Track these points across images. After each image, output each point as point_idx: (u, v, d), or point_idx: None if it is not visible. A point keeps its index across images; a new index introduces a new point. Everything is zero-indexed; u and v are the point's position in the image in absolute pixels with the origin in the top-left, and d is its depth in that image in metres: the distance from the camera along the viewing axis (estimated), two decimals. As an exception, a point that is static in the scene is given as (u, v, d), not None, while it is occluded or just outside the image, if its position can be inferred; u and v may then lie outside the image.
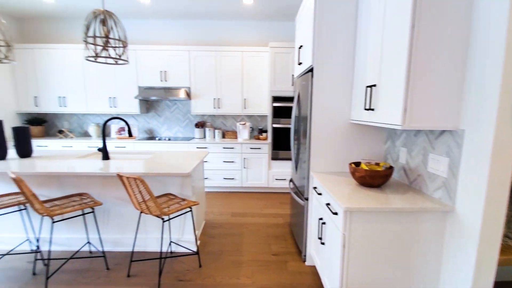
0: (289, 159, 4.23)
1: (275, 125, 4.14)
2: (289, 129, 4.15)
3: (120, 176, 1.92)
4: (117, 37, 2.05)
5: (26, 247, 2.55)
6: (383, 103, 1.59)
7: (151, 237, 2.54)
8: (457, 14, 1.33)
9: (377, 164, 1.87)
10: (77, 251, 2.51)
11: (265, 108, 4.34)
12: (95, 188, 2.44)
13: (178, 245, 2.55)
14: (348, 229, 1.51)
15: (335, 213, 1.62)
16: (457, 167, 1.42)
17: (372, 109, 1.71)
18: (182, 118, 4.71)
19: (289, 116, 4.13)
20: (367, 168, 1.72)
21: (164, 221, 2.03)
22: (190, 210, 2.35)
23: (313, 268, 2.31)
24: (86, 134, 4.74)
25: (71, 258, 2.40)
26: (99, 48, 2.02)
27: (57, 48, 4.18)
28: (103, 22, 1.93)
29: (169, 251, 2.54)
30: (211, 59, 4.22)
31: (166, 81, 4.27)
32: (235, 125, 4.71)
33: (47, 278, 2.00)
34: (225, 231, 2.96)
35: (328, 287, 1.80)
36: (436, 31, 1.35)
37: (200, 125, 4.53)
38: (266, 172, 4.23)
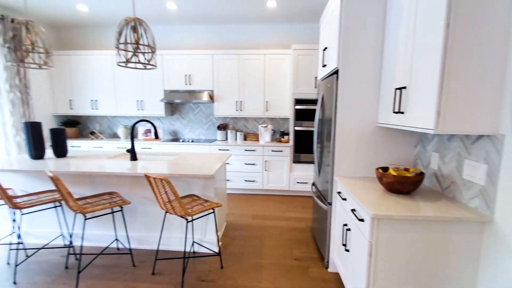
0: (311, 162, 4.16)
1: (297, 128, 4.10)
2: (311, 132, 4.09)
3: (147, 177, 1.99)
4: (146, 43, 2.13)
5: (60, 242, 2.71)
6: (414, 106, 1.52)
7: (174, 237, 2.60)
8: (496, 12, 1.25)
9: (406, 169, 1.79)
10: (106, 247, 2.63)
11: (287, 110, 4.31)
12: (124, 188, 2.55)
13: (201, 245, 2.59)
14: (375, 237, 1.45)
15: (361, 220, 1.57)
16: (497, 174, 1.32)
17: (402, 112, 1.64)
18: (204, 121, 4.80)
19: (312, 119, 4.07)
20: (395, 174, 1.65)
21: (188, 222, 2.07)
22: (213, 212, 2.38)
23: (337, 275, 2.25)
24: (115, 136, 4.98)
25: (100, 254, 2.51)
26: (129, 54, 2.11)
27: (90, 54, 4.44)
28: (134, 29, 2.02)
29: (192, 251, 2.59)
30: (234, 62, 4.27)
31: (190, 84, 4.38)
32: (256, 128, 4.72)
33: (79, 272, 2.11)
34: (246, 233, 2.97)
35: (353, 296, 1.74)
36: (472, 29, 1.27)
37: (222, 127, 4.59)
38: (288, 175, 4.20)
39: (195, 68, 4.34)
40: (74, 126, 4.81)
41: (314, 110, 4.05)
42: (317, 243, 2.73)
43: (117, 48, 2.11)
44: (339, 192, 2.08)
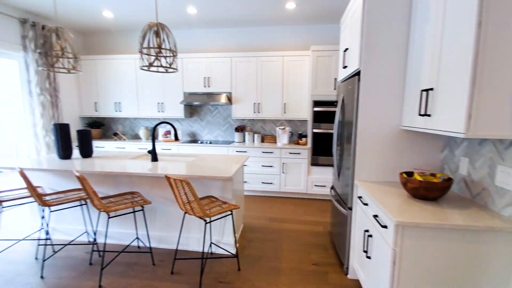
0: (330, 165, 4.09)
1: (315, 130, 4.04)
2: (330, 134, 4.02)
3: (167, 178, 2.03)
4: (168, 48, 2.18)
5: (84, 239, 2.82)
6: (442, 108, 1.45)
7: (192, 237, 2.63)
8: (537, 7, 1.17)
9: (433, 174, 1.70)
10: (127, 246, 2.71)
11: (305, 112, 4.27)
12: (145, 188, 2.62)
13: (218, 246, 2.60)
14: (399, 245, 1.39)
15: (384, 226, 1.51)
16: (535, 182, 1.23)
17: (428, 115, 1.57)
18: (222, 122, 4.84)
19: (330, 121, 4.00)
20: (421, 179, 1.58)
21: (206, 223, 2.09)
22: (231, 214, 2.39)
23: (357, 282, 2.18)
24: (136, 137, 5.13)
25: (122, 251, 2.59)
26: (152, 58, 2.17)
27: (115, 58, 4.61)
28: (157, 34, 2.08)
29: (209, 251, 2.61)
30: (252, 65, 4.29)
31: (209, 87, 4.44)
32: (274, 130, 4.71)
33: (102, 268, 2.19)
34: (263, 236, 2.95)
35: (374, 305, 1.68)
36: (506, 27, 1.19)
37: (240, 129, 4.61)
38: (305, 178, 4.14)
39: (214, 70, 4.39)
40: (99, 127, 5.01)
41: (333, 112, 3.98)
42: (336, 248, 2.66)
43: (141, 52, 2.18)
44: (360, 197, 2.02)
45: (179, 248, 2.67)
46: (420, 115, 1.64)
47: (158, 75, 4.55)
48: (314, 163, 4.12)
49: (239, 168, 2.58)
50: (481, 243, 1.34)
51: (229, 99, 4.43)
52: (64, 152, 2.82)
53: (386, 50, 1.93)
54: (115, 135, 4.96)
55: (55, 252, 2.58)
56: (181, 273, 2.27)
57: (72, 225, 2.85)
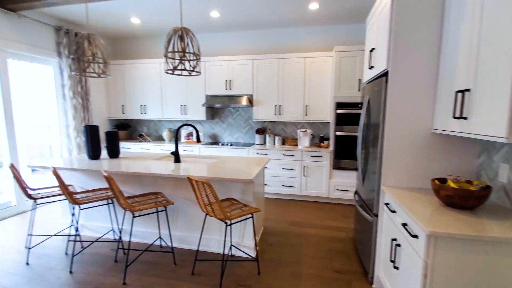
0: (353, 169, 3.96)
1: (338, 133, 3.94)
2: (353, 137, 3.90)
3: (190, 179, 2.05)
4: (192, 51, 2.22)
5: (111, 236, 2.93)
6: (480, 110, 1.35)
7: (213, 238, 2.65)
8: None
9: (469, 181, 1.59)
10: (150, 245, 2.78)
11: (327, 115, 4.17)
12: (168, 188, 2.67)
13: (238, 249, 2.60)
14: (431, 257, 1.30)
15: (415, 236, 1.42)
16: None
17: (464, 118, 1.46)
18: (243, 124, 4.86)
19: (354, 124, 3.88)
20: (456, 187, 1.47)
21: (227, 225, 2.09)
22: (251, 217, 2.37)
23: (382, 293, 2.08)
24: (160, 138, 5.29)
25: (145, 250, 2.66)
26: (176, 62, 2.22)
27: (141, 62, 4.79)
28: (181, 38, 2.12)
29: (230, 253, 2.61)
30: (274, 67, 4.27)
31: (230, 89, 4.47)
32: (295, 132, 4.65)
33: (126, 266, 2.25)
34: (284, 240, 2.91)
35: (403, 318, 1.59)
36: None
37: (261, 131, 4.60)
38: (327, 182, 4.04)
39: (235, 73, 4.42)
40: (126, 129, 5.22)
41: (356, 115, 3.86)
42: (359, 255, 2.56)
43: (166, 56, 2.23)
44: (387, 204, 1.93)
45: (200, 249, 2.69)
46: (454, 117, 1.53)
47: (182, 78, 4.66)
48: (336, 166, 4.01)
49: (260, 170, 2.56)
50: (525, 259, 1.22)
51: (250, 101, 4.43)
52: (93, 153, 2.95)
53: (416, 49, 1.83)
54: (140, 137, 5.14)
55: (83, 248, 2.70)
56: (201, 274, 2.28)
57: (99, 222, 2.97)
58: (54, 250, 2.66)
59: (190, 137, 4.97)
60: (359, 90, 3.83)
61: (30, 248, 2.69)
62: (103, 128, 5.08)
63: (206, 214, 2.16)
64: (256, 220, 2.68)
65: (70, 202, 2.29)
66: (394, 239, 1.74)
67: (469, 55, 1.45)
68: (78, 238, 2.89)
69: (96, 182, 2.86)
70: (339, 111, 3.91)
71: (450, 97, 1.64)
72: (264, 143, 4.64)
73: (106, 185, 2.85)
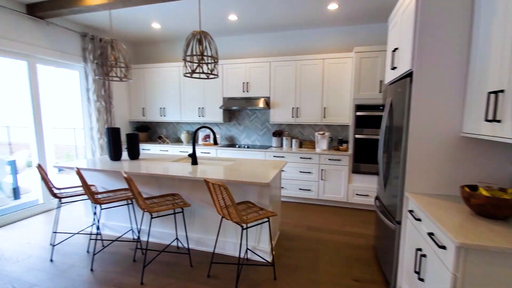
0: (374, 173, 3.82)
1: (357, 136, 3.82)
2: (373, 140, 3.77)
3: (206, 182, 2.05)
4: (210, 54, 2.23)
5: (130, 236, 2.99)
6: (516, 113, 1.24)
7: (229, 241, 2.63)
8: None
9: (503, 189, 1.47)
10: (168, 245, 2.81)
11: (346, 117, 4.07)
12: (185, 190, 2.69)
13: (254, 253, 2.57)
14: (461, 270, 1.21)
15: (442, 247, 1.33)
16: None
17: (498, 121, 1.36)
18: (260, 127, 4.84)
19: (374, 126, 3.75)
20: (488, 195, 1.37)
21: (243, 229, 2.07)
22: (268, 221, 2.34)
23: (405, 305, 1.97)
24: (178, 140, 5.38)
25: (162, 251, 2.69)
26: (194, 65, 2.24)
27: (160, 66, 4.91)
28: (199, 42, 2.14)
29: (245, 257, 2.58)
30: (291, 69, 4.23)
31: (247, 91, 4.47)
32: (313, 135, 4.57)
33: (144, 266, 2.28)
34: (301, 245, 2.84)
35: (428, 334, 1.49)
36: None
37: (278, 134, 4.56)
38: (346, 186, 3.93)
39: (253, 75, 4.42)
40: (146, 131, 5.36)
41: (377, 117, 3.73)
42: (380, 264, 2.45)
43: (184, 60, 2.26)
44: (411, 211, 1.83)
45: (216, 251, 2.69)
46: (486, 120, 1.43)
47: (200, 81, 4.73)
48: (355, 170, 3.89)
49: (277, 174, 2.52)
50: None
51: (267, 103, 4.41)
52: (115, 154, 3.04)
53: (443, 48, 1.73)
54: (159, 139, 5.25)
55: (104, 247, 2.78)
56: (217, 277, 2.27)
57: (119, 222, 3.05)
58: (76, 248, 2.75)
59: (208, 139, 5.01)
60: (380, 92, 3.70)
61: (54, 245, 2.80)
62: (124, 130, 5.24)
63: (222, 217, 2.15)
64: (273, 224, 2.65)
65: (92, 202, 2.36)
66: (419, 249, 1.64)
67: (503, 53, 1.35)
68: (99, 237, 2.98)
69: (117, 183, 2.94)
70: (358, 113, 3.79)
71: (482, 99, 1.53)
72: (281, 145, 4.59)
73: (126, 186, 2.92)
